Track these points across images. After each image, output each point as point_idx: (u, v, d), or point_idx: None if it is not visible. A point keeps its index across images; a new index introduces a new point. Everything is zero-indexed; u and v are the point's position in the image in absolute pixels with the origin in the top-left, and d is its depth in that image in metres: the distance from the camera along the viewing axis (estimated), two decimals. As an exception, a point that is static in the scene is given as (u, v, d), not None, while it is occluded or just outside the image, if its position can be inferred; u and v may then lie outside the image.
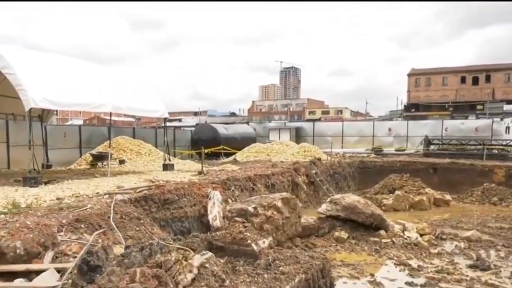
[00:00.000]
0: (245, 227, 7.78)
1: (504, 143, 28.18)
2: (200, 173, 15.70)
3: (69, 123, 74.32)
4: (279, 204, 11.27)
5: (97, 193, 10.40)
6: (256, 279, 6.52)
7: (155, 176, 14.59)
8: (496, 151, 27.02)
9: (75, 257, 5.12)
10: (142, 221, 9.19)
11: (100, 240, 6.37)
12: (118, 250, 5.02)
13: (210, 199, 11.94)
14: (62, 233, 6.92)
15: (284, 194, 12.13)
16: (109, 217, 8.48)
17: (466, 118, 50.03)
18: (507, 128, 33.01)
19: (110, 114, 16.50)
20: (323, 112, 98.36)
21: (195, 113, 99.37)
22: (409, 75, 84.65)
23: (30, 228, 5.73)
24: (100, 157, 18.37)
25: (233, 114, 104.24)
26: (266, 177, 16.82)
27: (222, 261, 5.95)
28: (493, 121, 33.67)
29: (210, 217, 11.28)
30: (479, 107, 65.98)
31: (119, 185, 11.63)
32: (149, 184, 11.69)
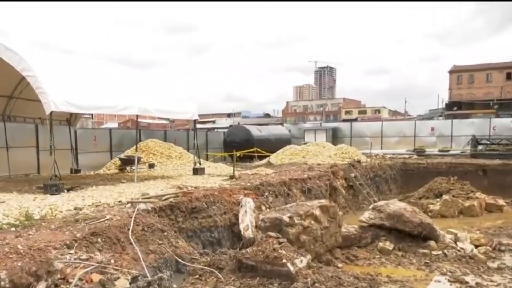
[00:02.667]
0: (279, 243, 6.88)
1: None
2: (231, 177, 14.91)
3: (104, 126, 75.14)
4: (317, 212, 10.34)
5: (120, 201, 9.74)
6: (292, 307, 5.63)
7: (184, 181, 13.90)
8: (551, 151, 25.19)
9: (77, 286, 4.34)
10: (166, 233, 8.44)
11: (112, 261, 5.57)
12: (123, 283, 4.22)
13: (241, 206, 11.14)
14: (72, 251, 6.19)
15: (323, 201, 11.18)
16: (129, 230, 7.75)
17: (513, 116, 47.63)
18: (561, 126, 31.03)
19: (137, 116, 15.91)
20: (359, 112, 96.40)
21: (229, 115, 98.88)
22: (451, 72, 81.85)
23: (20, 254, 4.98)
24: (128, 161, 17.82)
25: (267, 115, 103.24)
26: (302, 181, 15.89)
27: None
28: (545, 119, 31.67)
29: (241, 226, 10.46)
30: (526, 104, 63.05)
31: (144, 192, 10.93)
32: (176, 191, 10.95)
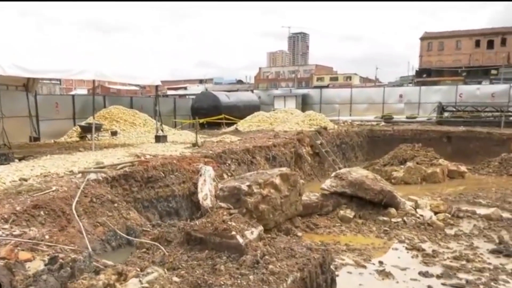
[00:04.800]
0: (230, 214, 6.61)
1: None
2: (194, 145, 14.54)
3: (73, 92, 73.23)
4: (277, 181, 10.09)
5: (71, 171, 9.26)
6: (239, 281, 5.36)
7: (144, 149, 13.48)
8: (514, 118, 25.48)
9: (-3, 265, 3.97)
10: (116, 205, 8.08)
11: (47, 237, 5.21)
12: (36, 264, 3.86)
13: (201, 175, 10.86)
14: (7, 225, 5.80)
15: (283, 169, 10.93)
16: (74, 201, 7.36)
17: (480, 83, 48.05)
18: (526, 93, 31.33)
19: (94, 81, 15.21)
20: (331, 79, 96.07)
21: (201, 81, 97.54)
22: (422, 39, 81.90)
23: None
24: (89, 129, 17.19)
25: (239, 82, 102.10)
26: (266, 148, 15.64)
27: (177, 279, 4.75)
28: (510, 86, 31.93)
29: (200, 196, 10.21)
30: (493, 72, 63.94)
31: (100, 161, 10.47)
32: (132, 160, 10.55)
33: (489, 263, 8.36)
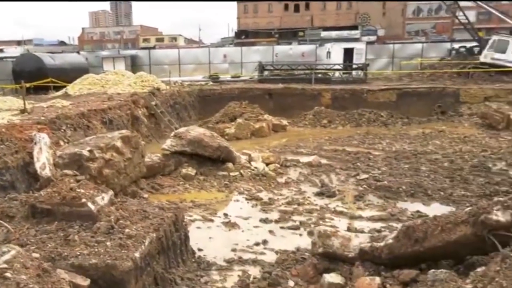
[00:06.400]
0: (77, 181, 6.11)
1: (328, 67, 29.19)
2: (22, 111, 13.05)
3: None
4: (118, 144, 9.65)
5: None
6: (96, 249, 5.06)
7: (-37, 119, 11.65)
8: (321, 75, 27.89)
9: None
10: None
11: None
12: None
13: (36, 143, 9.78)
14: None
15: (124, 132, 10.47)
16: None
17: (290, 44, 51.28)
18: (328, 53, 34.37)
19: None
20: (157, 40, 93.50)
21: (19, 42, 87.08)
22: (238, 1, 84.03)
23: None
24: None
25: (62, 43, 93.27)
26: (102, 112, 14.78)
27: (37, 255, 4.29)
28: (317, 47, 34.75)
29: (37, 165, 9.21)
30: (300, 33, 68.54)
31: None
32: (-48, 132, 9.06)
33: (316, 204, 9.24)
